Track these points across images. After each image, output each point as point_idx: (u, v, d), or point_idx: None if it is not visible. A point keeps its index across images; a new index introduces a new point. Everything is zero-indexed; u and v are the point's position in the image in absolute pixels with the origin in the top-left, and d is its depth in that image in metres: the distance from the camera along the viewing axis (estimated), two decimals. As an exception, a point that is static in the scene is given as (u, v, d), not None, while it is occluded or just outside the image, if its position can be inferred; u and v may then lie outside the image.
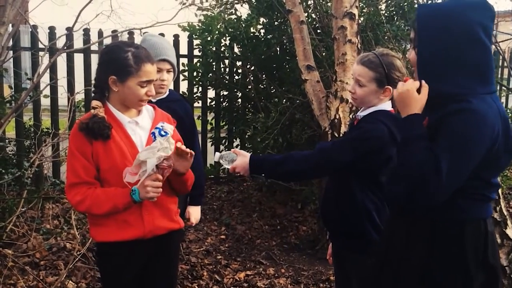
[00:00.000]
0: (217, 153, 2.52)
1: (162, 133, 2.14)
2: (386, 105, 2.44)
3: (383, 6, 5.95)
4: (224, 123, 6.58)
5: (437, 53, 1.80)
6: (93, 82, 2.37)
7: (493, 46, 6.60)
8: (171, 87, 3.43)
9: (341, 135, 4.38)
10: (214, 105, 6.54)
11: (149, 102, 2.66)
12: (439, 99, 1.81)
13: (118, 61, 2.18)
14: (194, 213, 3.17)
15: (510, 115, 8.16)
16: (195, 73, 6.22)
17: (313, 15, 5.74)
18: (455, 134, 1.72)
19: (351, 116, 4.38)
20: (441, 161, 1.69)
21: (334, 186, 2.53)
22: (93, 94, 2.31)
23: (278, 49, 6.05)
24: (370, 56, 2.42)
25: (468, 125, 1.72)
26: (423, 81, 1.86)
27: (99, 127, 2.17)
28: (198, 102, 6.59)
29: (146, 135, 2.31)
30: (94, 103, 2.24)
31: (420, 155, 1.73)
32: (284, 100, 5.58)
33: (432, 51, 1.81)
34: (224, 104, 6.53)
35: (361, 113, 2.49)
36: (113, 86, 2.21)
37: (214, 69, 6.29)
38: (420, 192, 1.72)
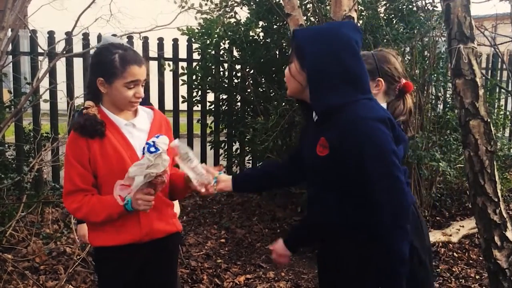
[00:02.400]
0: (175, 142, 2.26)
1: (152, 149, 2.08)
2: (382, 105, 2.43)
3: (382, 9, 5.95)
4: (223, 126, 6.58)
5: (325, 68, 1.91)
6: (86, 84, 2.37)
7: (492, 49, 6.61)
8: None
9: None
10: (213, 109, 6.54)
11: None
12: (329, 112, 1.93)
13: (105, 63, 2.20)
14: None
15: (509, 117, 8.19)
16: (194, 77, 6.22)
17: (312, 19, 5.74)
18: (369, 155, 1.85)
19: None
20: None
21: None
22: (86, 96, 2.33)
23: (277, 52, 6.06)
24: (362, 52, 2.46)
25: (372, 136, 1.85)
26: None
27: (91, 123, 2.18)
28: (198, 106, 6.60)
29: (146, 137, 2.30)
30: (87, 103, 2.27)
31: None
32: (283, 103, 5.58)
33: (320, 67, 1.92)
34: (223, 107, 6.54)
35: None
36: (102, 88, 2.23)
37: (213, 72, 6.30)
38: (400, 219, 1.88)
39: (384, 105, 2.45)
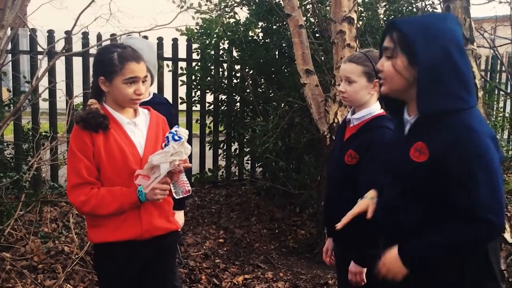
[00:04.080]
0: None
1: (176, 137, 2.15)
2: (377, 106, 2.47)
3: (381, 11, 5.96)
4: (222, 127, 6.58)
5: (438, 67, 1.73)
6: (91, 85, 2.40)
7: (491, 51, 6.62)
8: (155, 89, 3.39)
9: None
10: (212, 109, 6.54)
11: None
12: (436, 116, 1.76)
13: (105, 61, 2.24)
14: (179, 217, 3.16)
15: (508, 119, 8.19)
16: (193, 77, 6.22)
17: (312, 19, 5.75)
18: (476, 166, 1.69)
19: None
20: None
21: (339, 188, 2.51)
22: (89, 96, 2.37)
23: (277, 53, 6.06)
24: (356, 54, 2.50)
25: (486, 155, 1.69)
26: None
27: (93, 116, 2.21)
28: (197, 106, 6.59)
29: (144, 136, 2.34)
30: (90, 101, 2.31)
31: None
32: (283, 104, 5.58)
33: (434, 65, 1.73)
34: (222, 108, 6.54)
35: (355, 116, 2.50)
36: (103, 87, 2.27)
37: (212, 73, 6.30)
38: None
39: (377, 104, 2.48)
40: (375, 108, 2.47)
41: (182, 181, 2.26)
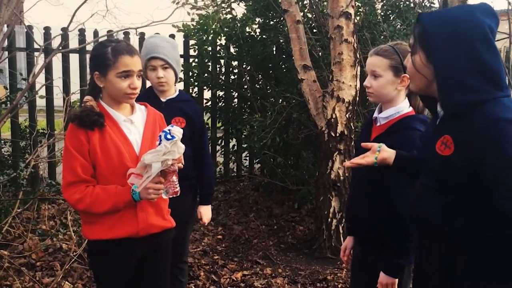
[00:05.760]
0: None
1: (169, 136, 2.11)
2: (406, 104, 2.35)
3: (379, 6, 5.95)
4: (220, 123, 6.58)
5: (456, 61, 1.69)
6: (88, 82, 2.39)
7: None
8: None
9: (337, 134, 4.38)
10: (210, 106, 6.53)
11: (159, 102, 2.83)
12: (460, 110, 1.71)
13: (99, 56, 2.23)
14: (206, 212, 3.17)
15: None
16: (190, 74, 6.21)
17: (309, 15, 5.74)
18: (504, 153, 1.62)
19: (347, 115, 4.39)
20: None
21: (364, 189, 2.41)
22: (86, 92, 2.36)
23: (274, 48, 6.05)
24: (383, 46, 2.34)
25: (502, 137, 1.62)
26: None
27: (87, 114, 2.19)
28: (194, 102, 6.58)
29: (140, 134, 2.32)
30: (86, 98, 2.30)
31: None
32: (281, 100, 5.57)
33: (450, 60, 1.70)
34: (220, 104, 6.53)
35: (382, 115, 2.37)
36: (98, 82, 2.25)
37: (210, 69, 6.29)
38: None
39: (406, 101, 2.36)
40: (403, 107, 2.33)
41: (171, 181, 2.23)
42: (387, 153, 2.06)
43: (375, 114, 2.41)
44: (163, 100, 2.95)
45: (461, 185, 1.73)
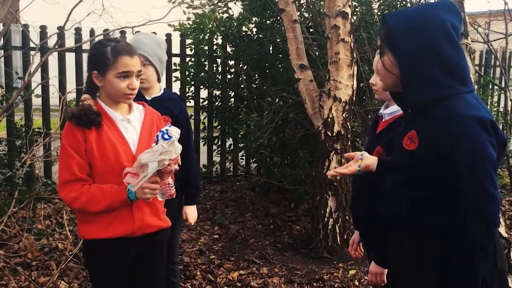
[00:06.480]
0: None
1: (166, 136, 2.10)
2: None
3: (376, 5, 5.96)
4: (217, 122, 6.57)
5: (418, 59, 1.74)
6: (85, 80, 2.38)
7: (485, 45, 6.63)
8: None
9: (334, 134, 4.38)
10: (206, 105, 6.52)
11: (143, 100, 2.69)
12: (423, 106, 1.77)
13: (98, 55, 2.22)
14: (191, 212, 3.16)
15: (503, 114, 8.21)
16: (187, 73, 6.20)
17: (306, 14, 5.74)
18: (466, 151, 1.67)
19: (344, 115, 4.39)
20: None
21: (367, 183, 2.40)
22: (84, 91, 2.34)
23: (271, 48, 6.05)
24: None
25: (469, 139, 1.67)
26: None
27: (85, 113, 2.19)
28: (191, 102, 6.57)
29: (137, 133, 2.32)
30: (83, 96, 2.28)
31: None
32: (277, 99, 5.57)
33: (414, 57, 1.75)
34: (216, 103, 6.52)
35: (387, 111, 2.40)
36: (97, 81, 2.24)
37: (206, 68, 6.28)
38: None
39: None
40: None
41: (166, 183, 2.23)
42: (370, 160, 2.09)
43: (381, 111, 2.46)
44: (148, 98, 2.89)
45: (429, 180, 1.78)
